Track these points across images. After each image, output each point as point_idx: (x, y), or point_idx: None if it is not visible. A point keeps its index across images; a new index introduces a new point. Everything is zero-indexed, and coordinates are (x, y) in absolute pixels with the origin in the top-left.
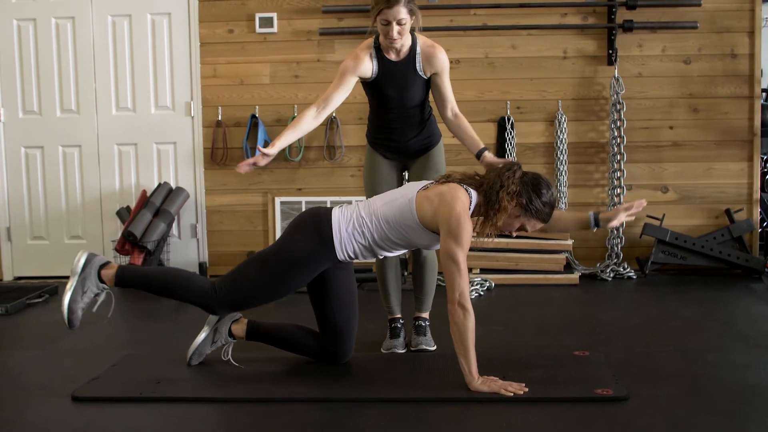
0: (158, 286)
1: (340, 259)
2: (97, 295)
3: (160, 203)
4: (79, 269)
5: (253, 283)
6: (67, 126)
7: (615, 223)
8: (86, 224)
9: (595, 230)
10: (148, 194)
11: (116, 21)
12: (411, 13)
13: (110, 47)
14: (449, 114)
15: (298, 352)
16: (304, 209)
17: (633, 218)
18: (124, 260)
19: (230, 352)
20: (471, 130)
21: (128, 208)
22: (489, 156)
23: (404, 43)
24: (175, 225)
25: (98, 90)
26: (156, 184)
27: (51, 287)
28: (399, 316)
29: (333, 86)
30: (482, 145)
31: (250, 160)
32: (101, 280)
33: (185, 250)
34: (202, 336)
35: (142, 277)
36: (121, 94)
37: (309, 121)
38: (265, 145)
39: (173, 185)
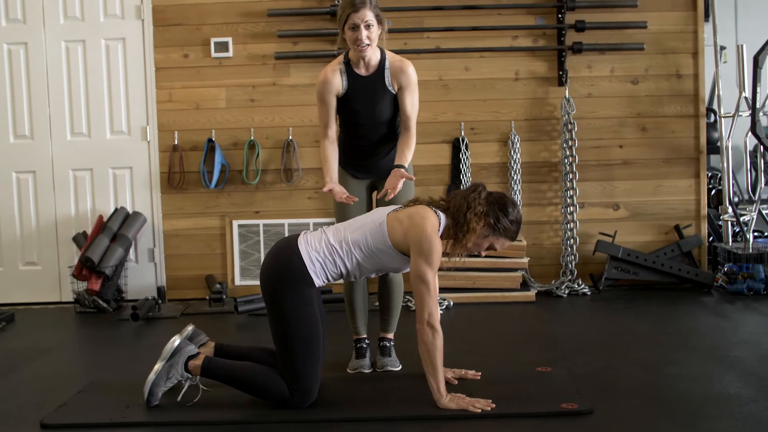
0: (240, 383)
1: (318, 286)
2: (180, 381)
3: (117, 228)
4: (168, 355)
5: (304, 361)
6: (21, 152)
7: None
8: (42, 250)
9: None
10: (105, 219)
11: (70, 46)
12: (378, 19)
13: (64, 73)
14: (401, 128)
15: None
16: (262, 233)
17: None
18: (82, 286)
19: (198, 378)
20: (405, 149)
21: (85, 233)
22: (397, 171)
23: (372, 57)
24: (132, 249)
25: (52, 115)
26: (112, 209)
27: (7, 314)
28: (365, 336)
29: (323, 113)
30: (401, 163)
31: (345, 196)
32: (187, 370)
33: (143, 274)
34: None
35: (225, 372)
36: (76, 119)
37: (332, 151)
38: (222, 168)
39: (130, 210)
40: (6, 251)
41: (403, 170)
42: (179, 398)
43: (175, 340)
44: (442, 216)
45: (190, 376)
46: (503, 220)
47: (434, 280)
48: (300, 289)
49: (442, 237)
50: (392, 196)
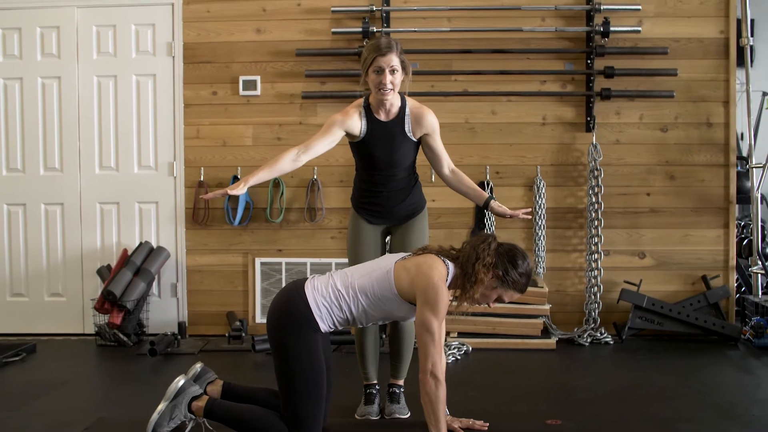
0: (243, 427)
1: (324, 331)
2: (184, 422)
3: (141, 262)
4: (172, 395)
5: (308, 407)
6: (51, 184)
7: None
8: (67, 282)
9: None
10: (129, 253)
11: (102, 81)
12: (403, 65)
13: (95, 107)
14: (447, 171)
15: None
16: (284, 272)
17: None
18: (103, 318)
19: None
20: (472, 182)
21: (109, 266)
22: (496, 205)
23: (393, 102)
24: (155, 284)
25: (82, 149)
26: (137, 243)
27: (29, 345)
28: (375, 382)
29: (317, 135)
30: (487, 195)
31: (218, 192)
32: (191, 411)
33: (165, 309)
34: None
35: (228, 415)
36: (105, 153)
37: (287, 163)
38: (246, 205)
39: (154, 244)
40: (32, 282)
41: (497, 203)
42: None
43: (180, 381)
44: (451, 265)
45: (193, 416)
46: (512, 272)
47: (440, 330)
48: (305, 333)
49: (450, 287)
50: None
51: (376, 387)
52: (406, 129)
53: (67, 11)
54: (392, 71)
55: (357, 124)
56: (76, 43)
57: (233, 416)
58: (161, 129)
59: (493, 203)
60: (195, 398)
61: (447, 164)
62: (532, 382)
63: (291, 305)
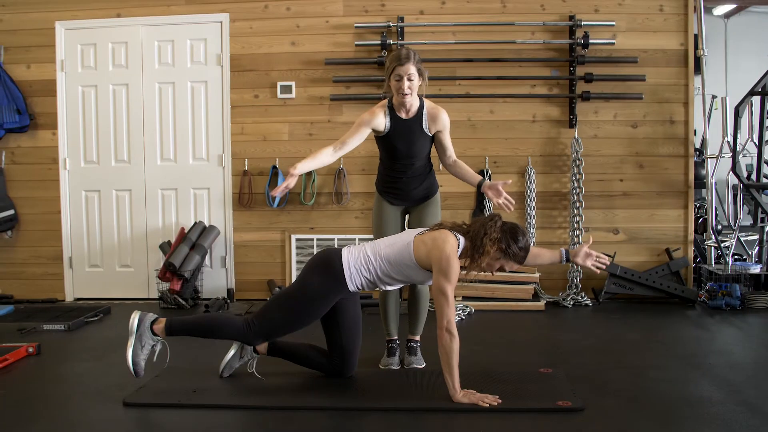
0: (201, 330)
1: (351, 290)
2: (153, 346)
3: (196, 238)
4: (135, 328)
5: (282, 319)
6: (120, 173)
7: (579, 259)
8: (134, 255)
9: (564, 263)
10: (186, 231)
11: (162, 87)
12: (419, 72)
13: (157, 108)
14: (449, 161)
15: (309, 366)
16: (315, 246)
17: (596, 267)
18: (165, 286)
19: (255, 366)
20: (469, 168)
21: (169, 242)
22: (487, 182)
23: (413, 103)
24: (207, 257)
25: (146, 143)
26: (192, 223)
27: (105, 308)
28: (395, 337)
29: (350, 132)
30: (480, 178)
31: (282, 186)
32: (154, 334)
33: (216, 278)
34: (231, 352)
35: (186, 325)
36: (165, 147)
37: (326, 156)
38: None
39: (207, 224)
40: (106, 255)
41: (489, 181)
42: (154, 359)
43: (135, 315)
44: (461, 238)
45: (159, 338)
46: (513, 246)
47: (452, 293)
48: (329, 283)
49: (460, 256)
50: (502, 199)
51: (397, 342)
52: (424, 126)
53: (134, 29)
54: (409, 78)
55: (382, 122)
56: (141, 56)
57: (190, 325)
58: (212, 127)
59: (485, 182)
60: (154, 322)
61: (450, 155)
62: (525, 337)
63: (328, 260)
